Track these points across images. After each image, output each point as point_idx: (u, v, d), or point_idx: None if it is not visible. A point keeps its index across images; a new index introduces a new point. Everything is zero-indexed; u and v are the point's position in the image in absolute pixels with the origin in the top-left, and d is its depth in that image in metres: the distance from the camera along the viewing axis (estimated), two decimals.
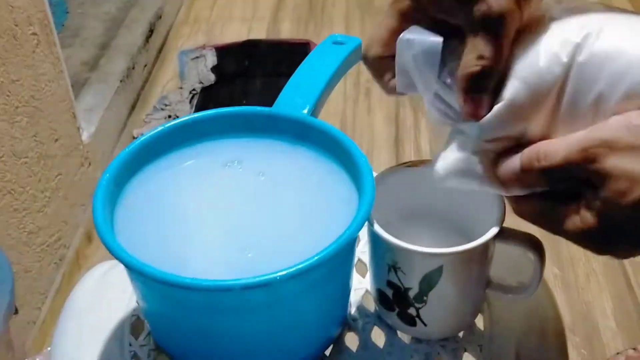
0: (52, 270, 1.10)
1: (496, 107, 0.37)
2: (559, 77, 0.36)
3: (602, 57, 0.36)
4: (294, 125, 0.51)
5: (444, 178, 0.41)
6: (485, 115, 0.38)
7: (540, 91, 0.37)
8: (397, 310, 0.49)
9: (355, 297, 0.54)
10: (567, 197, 0.37)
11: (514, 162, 0.38)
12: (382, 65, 0.42)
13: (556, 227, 0.38)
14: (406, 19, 0.40)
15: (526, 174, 0.37)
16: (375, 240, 0.47)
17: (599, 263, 1.17)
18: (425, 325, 0.48)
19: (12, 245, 0.98)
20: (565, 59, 0.36)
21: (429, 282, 0.45)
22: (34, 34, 1.03)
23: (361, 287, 0.55)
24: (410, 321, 0.48)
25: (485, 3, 0.36)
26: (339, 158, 0.49)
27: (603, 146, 0.34)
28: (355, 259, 0.55)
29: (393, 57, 0.41)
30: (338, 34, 0.60)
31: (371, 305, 0.53)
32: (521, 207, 0.39)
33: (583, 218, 0.36)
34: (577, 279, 1.16)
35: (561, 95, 0.37)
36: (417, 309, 0.47)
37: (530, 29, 0.38)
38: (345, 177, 0.48)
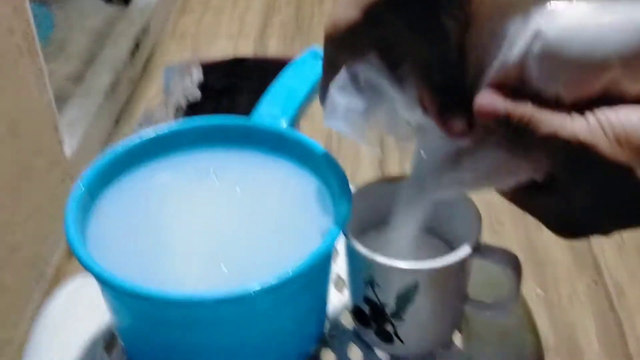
0: (31, 287, 1.08)
1: None
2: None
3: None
4: (270, 136, 0.50)
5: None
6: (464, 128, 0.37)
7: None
8: (374, 326, 0.48)
9: (332, 314, 0.53)
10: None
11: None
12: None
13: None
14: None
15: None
16: (352, 255, 0.46)
17: (582, 284, 1.17)
18: (402, 342, 0.47)
19: None
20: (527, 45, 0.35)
21: (405, 298, 0.44)
22: (17, 44, 1.02)
23: (339, 303, 0.54)
24: (387, 338, 0.47)
25: None
26: (316, 170, 0.48)
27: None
28: (334, 275, 0.54)
29: None
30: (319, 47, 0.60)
31: (349, 322, 0.53)
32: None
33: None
34: (560, 299, 1.15)
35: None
36: (394, 326, 0.46)
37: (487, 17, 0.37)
38: (323, 190, 0.47)
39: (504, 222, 1.28)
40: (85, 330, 0.53)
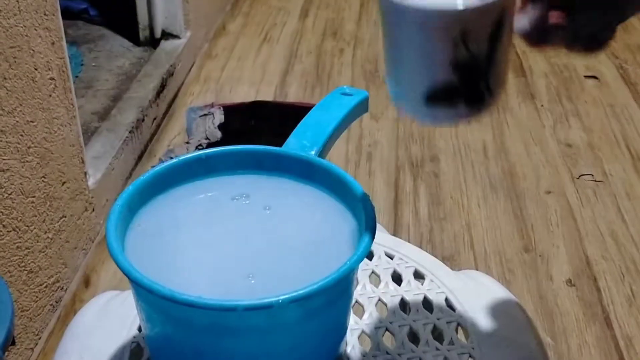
0: (48, 311, 1.11)
1: None
2: None
3: None
4: (300, 164, 0.53)
5: None
6: None
7: None
8: (465, 95, 0.45)
9: (351, 337, 0.55)
10: None
11: None
12: None
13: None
14: None
15: None
16: (428, 33, 0.43)
17: (592, 335, 1.17)
18: (491, 94, 0.46)
19: (12, 282, 0.99)
20: None
21: (495, 37, 0.44)
22: (52, 78, 1.07)
23: (357, 327, 0.56)
24: (479, 97, 0.45)
25: None
26: (343, 196, 0.51)
27: None
28: (353, 301, 0.57)
29: None
30: (346, 86, 0.64)
31: (367, 345, 0.55)
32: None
33: None
34: (570, 350, 1.16)
35: None
36: (487, 76, 0.45)
37: None
38: (348, 214, 0.50)
39: (515, 272, 1.30)
40: (113, 341, 0.55)
